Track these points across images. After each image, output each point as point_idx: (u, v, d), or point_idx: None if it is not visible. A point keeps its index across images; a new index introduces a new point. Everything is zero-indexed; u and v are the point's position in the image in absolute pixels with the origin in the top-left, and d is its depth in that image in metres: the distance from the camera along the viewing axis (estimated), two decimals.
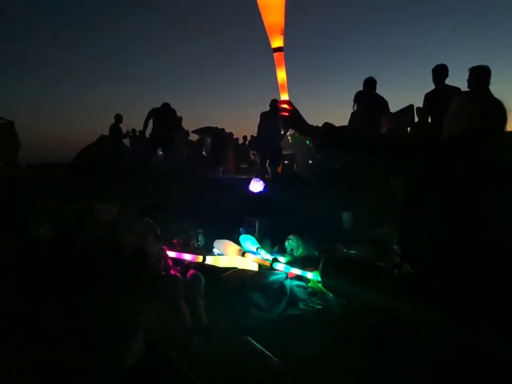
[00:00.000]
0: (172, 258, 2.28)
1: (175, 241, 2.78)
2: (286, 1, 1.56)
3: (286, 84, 1.68)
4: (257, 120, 5.83)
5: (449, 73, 4.14)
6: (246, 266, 2.32)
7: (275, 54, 1.64)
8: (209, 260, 2.34)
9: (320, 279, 1.87)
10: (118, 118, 7.47)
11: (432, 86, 4.22)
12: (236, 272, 2.14)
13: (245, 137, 10.75)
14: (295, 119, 1.61)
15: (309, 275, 2.17)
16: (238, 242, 2.62)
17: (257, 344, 1.31)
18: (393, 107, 5.20)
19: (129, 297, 1.72)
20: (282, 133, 5.56)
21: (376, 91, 4.73)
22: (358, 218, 3.08)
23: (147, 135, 6.56)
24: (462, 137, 1.50)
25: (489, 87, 3.79)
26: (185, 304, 1.70)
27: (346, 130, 1.69)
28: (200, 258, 2.32)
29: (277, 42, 1.61)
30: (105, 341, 1.37)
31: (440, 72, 4.14)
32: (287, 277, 2.16)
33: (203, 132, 10.46)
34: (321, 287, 1.96)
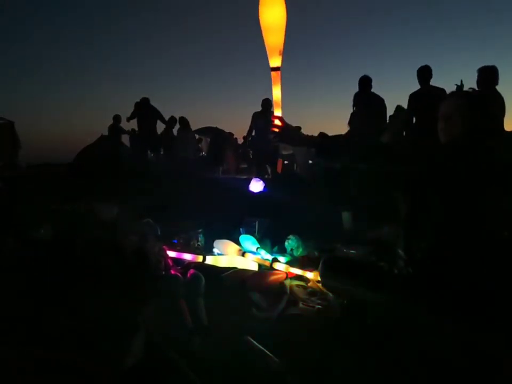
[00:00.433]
0: (172, 258, 2.28)
1: (175, 241, 2.78)
2: (286, 25, 1.67)
3: (280, 101, 1.78)
4: None
5: (449, 73, 4.19)
6: (246, 266, 2.33)
7: (272, 73, 1.76)
8: (209, 260, 2.34)
9: (320, 279, 1.87)
10: (117, 118, 7.52)
11: None
12: (236, 272, 2.14)
13: (245, 137, 10.75)
14: (285, 134, 1.69)
15: (309, 275, 2.17)
16: (238, 242, 2.62)
17: (257, 344, 1.31)
18: (392, 107, 5.22)
19: (129, 297, 1.72)
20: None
21: (372, 89, 4.73)
22: (358, 218, 3.08)
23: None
24: (461, 138, 1.50)
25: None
26: (185, 304, 1.70)
27: (339, 142, 1.71)
28: (200, 258, 2.32)
29: (275, 62, 1.73)
30: (105, 341, 1.37)
31: (425, 73, 4.23)
32: (287, 277, 2.16)
33: (203, 131, 10.45)
34: (321, 287, 1.96)
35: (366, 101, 4.68)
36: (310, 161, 8.17)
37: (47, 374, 1.24)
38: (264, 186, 3.59)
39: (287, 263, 2.37)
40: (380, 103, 4.71)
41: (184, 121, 7.00)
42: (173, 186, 3.96)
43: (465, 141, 1.48)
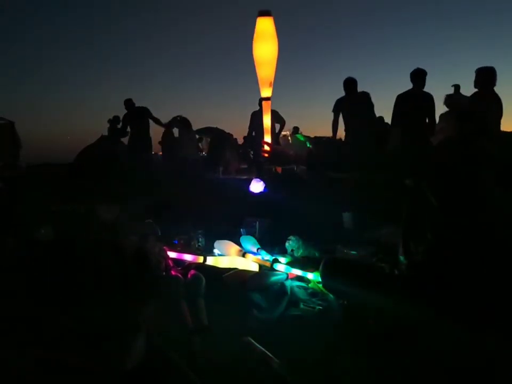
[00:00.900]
0: (173, 259, 2.28)
1: (176, 242, 2.78)
2: (277, 60, 1.84)
3: (269, 128, 1.93)
4: None
5: (449, 73, 4.23)
6: (247, 267, 2.32)
7: (263, 102, 1.92)
8: (210, 261, 2.34)
9: (320, 280, 1.87)
10: (116, 119, 7.53)
11: (428, 87, 4.32)
12: (236, 272, 2.14)
13: (245, 138, 10.74)
14: (274, 158, 1.82)
15: (310, 276, 2.17)
16: (238, 243, 2.61)
17: (258, 345, 1.31)
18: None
19: (129, 297, 1.72)
20: (277, 132, 5.55)
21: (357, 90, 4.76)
22: (358, 219, 3.08)
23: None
24: (456, 138, 1.53)
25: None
26: (185, 305, 1.70)
27: (326, 160, 1.79)
28: (200, 259, 2.32)
29: (266, 92, 1.89)
30: (105, 341, 1.37)
31: (422, 76, 4.27)
32: (287, 278, 2.16)
33: (203, 131, 10.45)
34: (322, 288, 1.96)
35: (356, 102, 4.70)
36: None
37: (47, 374, 1.24)
38: (265, 187, 3.59)
39: (287, 263, 2.36)
40: (367, 99, 4.74)
41: (185, 122, 6.97)
42: (174, 187, 3.96)
43: (457, 142, 1.51)
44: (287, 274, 2.18)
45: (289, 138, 9.23)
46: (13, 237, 2.40)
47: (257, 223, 2.97)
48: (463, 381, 1.21)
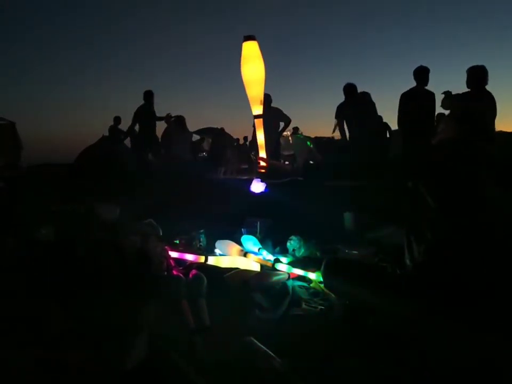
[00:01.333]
0: (174, 259, 2.28)
1: (177, 242, 2.77)
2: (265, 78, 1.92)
3: (263, 144, 2.00)
4: None
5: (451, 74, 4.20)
6: (248, 266, 2.32)
7: (255, 120, 1.99)
8: (211, 260, 2.33)
9: (322, 280, 1.86)
10: (117, 119, 7.53)
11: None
12: (237, 272, 2.13)
13: (245, 138, 10.75)
14: (270, 173, 1.89)
15: (311, 275, 2.16)
16: (239, 243, 2.61)
17: (260, 345, 1.30)
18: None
19: (131, 297, 1.71)
20: (280, 130, 5.50)
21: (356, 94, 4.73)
22: (360, 218, 3.07)
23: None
24: (455, 139, 1.53)
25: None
26: (187, 305, 1.69)
27: (324, 170, 1.83)
28: (202, 259, 2.32)
29: (257, 110, 1.98)
30: (107, 341, 1.36)
31: (425, 74, 4.24)
32: (289, 278, 2.15)
33: (204, 132, 10.45)
34: (323, 288, 1.95)
35: (356, 105, 4.67)
36: (311, 162, 8.18)
37: (47, 374, 1.23)
38: (266, 187, 3.58)
39: (289, 263, 2.36)
40: (366, 99, 4.72)
41: (180, 120, 6.68)
42: (175, 187, 3.95)
43: (456, 142, 1.51)
44: (289, 274, 2.17)
45: (290, 138, 9.24)
46: (13, 237, 2.40)
47: (258, 223, 2.97)
48: (463, 381, 1.20)
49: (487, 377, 1.18)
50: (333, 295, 1.86)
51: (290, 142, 9.07)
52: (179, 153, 6.51)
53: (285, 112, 5.41)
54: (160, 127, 6.82)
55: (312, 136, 9.11)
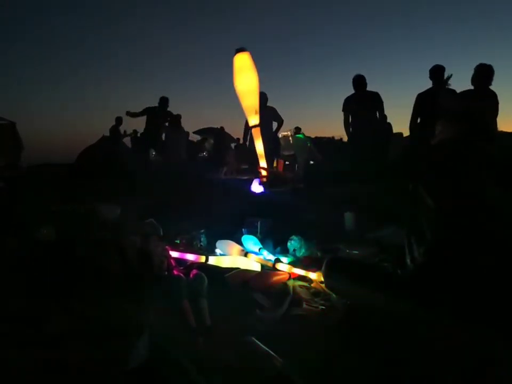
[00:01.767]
0: (175, 259, 2.27)
1: (178, 241, 2.77)
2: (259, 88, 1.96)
3: (263, 153, 2.01)
4: None
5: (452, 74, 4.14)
6: (249, 266, 2.32)
7: (253, 130, 2.00)
8: (212, 260, 2.33)
9: (323, 280, 1.86)
10: (118, 120, 7.53)
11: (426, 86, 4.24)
12: (238, 272, 2.13)
13: (245, 138, 10.74)
14: (272, 181, 1.91)
15: (312, 275, 2.16)
16: (240, 243, 2.61)
17: (261, 344, 1.30)
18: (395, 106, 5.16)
19: (132, 297, 1.71)
20: (274, 130, 5.40)
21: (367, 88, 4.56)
22: (360, 219, 3.07)
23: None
24: (454, 139, 1.53)
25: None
26: (188, 304, 1.69)
27: (324, 176, 1.85)
28: (203, 259, 2.31)
29: (253, 120, 1.99)
30: (108, 341, 1.36)
31: (439, 73, 4.13)
32: (290, 277, 2.15)
33: (204, 132, 10.45)
34: (324, 288, 1.95)
35: (365, 101, 4.50)
36: (311, 162, 8.18)
37: (47, 374, 1.23)
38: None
39: (289, 263, 2.36)
40: (377, 98, 4.52)
41: (175, 118, 6.47)
42: (175, 187, 3.95)
43: (455, 143, 1.51)
44: (290, 274, 2.17)
45: (290, 138, 9.23)
46: (13, 237, 2.39)
47: (259, 223, 2.96)
48: (463, 380, 1.20)
49: (487, 376, 1.18)
50: (333, 295, 1.86)
51: (291, 142, 9.06)
52: (175, 153, 6.46)
53: (283, 113, 5.36)
54: None
55: (312, 136, 9.11)
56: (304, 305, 1.84)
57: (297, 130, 8.92)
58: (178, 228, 2.88)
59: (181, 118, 6.53)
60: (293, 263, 2.37)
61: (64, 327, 1.50)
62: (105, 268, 1.91)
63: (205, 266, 2.21)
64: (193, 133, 10.31)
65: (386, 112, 4.66)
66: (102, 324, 1.50)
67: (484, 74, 3.82)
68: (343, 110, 4.69)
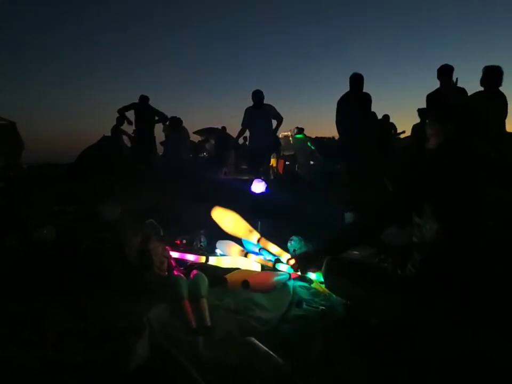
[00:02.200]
0: (175, 259, 2.28)
1: (178, 242, 2.77)
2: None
3: (281, 251, 2.28)
4: None
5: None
6: (249, 267, 2.32)
7: (260, 242, 2.33)
8: (212, 261, 2.33)
9: (323, 280, 1.86)
10: (119, 120, 7.51)
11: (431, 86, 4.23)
12: (238, 272, 2.13)
13: (245, 138, 10.73)
14: (303, 268, 1.96)
15: (312, 276, 2.16)
16: (240, 243, 2.61)
17: (261, 345, 1.30)
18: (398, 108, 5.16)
19: (132, 297, 1.71)
20: (274, 128, 5.32)
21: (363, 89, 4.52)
22: None
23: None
24: (447, 140, 1.52)
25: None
26: (188, 305, 1.69)
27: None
28: (203, 259, 2.32)
29: (254, 236, 2.28)
30: (108, 341, 1.36)
31: (448, 72, 4.12)
32: (290, 278, 2.15)
33: (205, 132, 10.44)
34: (324, 288, 1.95)
35: (361, 101, 4.47)
36: (312, 162, 8.18)
37: (48, 374, 1.23)
38: (266, 187, 3.58)
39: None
40: (369, 98, 4.50)
41: (175, 121, 6.59)
42: (175, 187, 3.95)
43: (448, 144, 1.50)
44: (290, 274, 2.17)
45: (290, 138, 9.22)
46: (14, 237, 2.40)
47: (259, 223, 2.96)
48: (464, 380, 1.20)
49: (487, 376, 1.18)
50: (333, 295, 1.86)
51: (291, 142, 9.05)
52: (175, 153, 6.48)
53: (284, 113, 5.31)
54: (158, 128, 6.81)
55: (313, 136, 9.09)
56: (304, 306, 1.84)
57: (300, 130, 8.89)
58: (179, 228, 2.88)
59: (182, 122, 6.59)
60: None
61: (64, 327, 1.50)
62: (105, 268, 1.91)
63: (205, 267, 2.21)
64: (194, 133, 10.30)
65: (387, 113, 4.67)
66: (102, 324, 1.50)
67: (492, 75, 3.81)
68: (337, 110, 4.64)
